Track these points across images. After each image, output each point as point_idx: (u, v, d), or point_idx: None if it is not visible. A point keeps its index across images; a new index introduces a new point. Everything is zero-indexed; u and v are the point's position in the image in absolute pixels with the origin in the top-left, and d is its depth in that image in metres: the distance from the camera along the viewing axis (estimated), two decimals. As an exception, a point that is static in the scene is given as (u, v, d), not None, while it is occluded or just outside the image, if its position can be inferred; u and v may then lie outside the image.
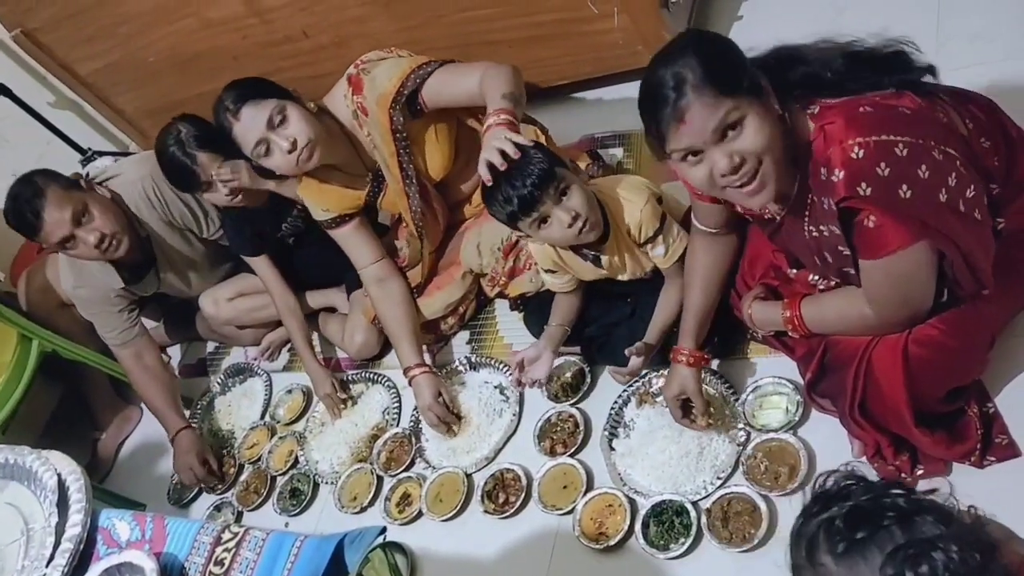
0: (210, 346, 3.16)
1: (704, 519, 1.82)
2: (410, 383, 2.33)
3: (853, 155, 1.33)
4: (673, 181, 2.21)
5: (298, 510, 2.43)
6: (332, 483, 2.42)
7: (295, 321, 2.62)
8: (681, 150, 1.39)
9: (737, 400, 1.95)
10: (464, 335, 2.57)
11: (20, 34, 3.16)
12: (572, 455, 2.11)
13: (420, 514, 2.22)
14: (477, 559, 2.09)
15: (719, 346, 2.02)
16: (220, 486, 2.63)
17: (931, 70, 1.46)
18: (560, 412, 2.20)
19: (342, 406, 2.57)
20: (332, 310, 2.78)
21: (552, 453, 2.14)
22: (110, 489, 2.80)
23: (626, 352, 1.98)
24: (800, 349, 1.76)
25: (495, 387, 2.37)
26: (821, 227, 1.49)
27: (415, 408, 2.42)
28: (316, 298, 2.75)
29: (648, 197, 1.92)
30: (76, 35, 3.13)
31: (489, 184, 1.81)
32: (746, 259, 1.86)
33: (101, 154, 3.42)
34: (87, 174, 2.71)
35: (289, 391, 2.79)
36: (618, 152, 2.65)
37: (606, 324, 2.17)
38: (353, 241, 2.38)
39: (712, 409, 1.90)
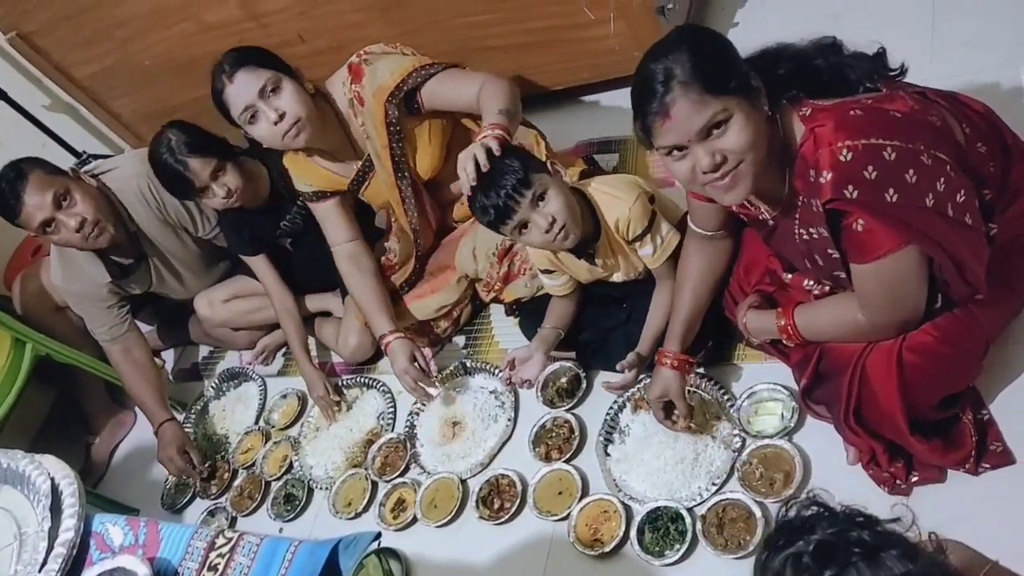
0: (204, 350, 3.15)
1: (699, 525, 1.81)
2: (385, 350, 2.34)
3: (841, 158, 1.34)
4: (669, 188, 2.22)
5: (292, 515, 2.43)
6: (327, 488, 2.41)
7: (292, 323, 2.62)
8: (666, 147, 1.40)
9: (732, 406, 1.95)
10: (460, 340, 2.57)
11: (16, 37, 3.16)
12: (567, 461, 2.10)
13: (415, 520, 2.21)
14: (472, 565, 2.08)
15: (712, 351, 2.03)
16: (198, 481, 2.63)
17: (901, 70, 1.49)
18: (555, 418, 2.20)
19: (336, 408, 2.57)
20: (328, 315, 2.78)
21: (547, 459, 2.14)
22: (104, 494, 2.79)
23: (618, 367, 1.98)
24: (795, 356, 1.76)
25: (491, 392, 2.36)
26: (811, 229, 1.50)
27: (410, 413, 2.42)
28: (312, 302, 2.75)
29: (638, 195, 1.92)
30: (72, 38, 3.13)
31: (468, 195, 1.83)
32: (742, 264, 1.86)
33: (96, 157, 3.42)
34: (79, 166, 2.70)
35: (284, 396, 2.78)
36: (614, 158, 2.66)
37: (602, 329, 2.17)
38: (331, 218, 2.39)
39: (696, 416, 1.91)
